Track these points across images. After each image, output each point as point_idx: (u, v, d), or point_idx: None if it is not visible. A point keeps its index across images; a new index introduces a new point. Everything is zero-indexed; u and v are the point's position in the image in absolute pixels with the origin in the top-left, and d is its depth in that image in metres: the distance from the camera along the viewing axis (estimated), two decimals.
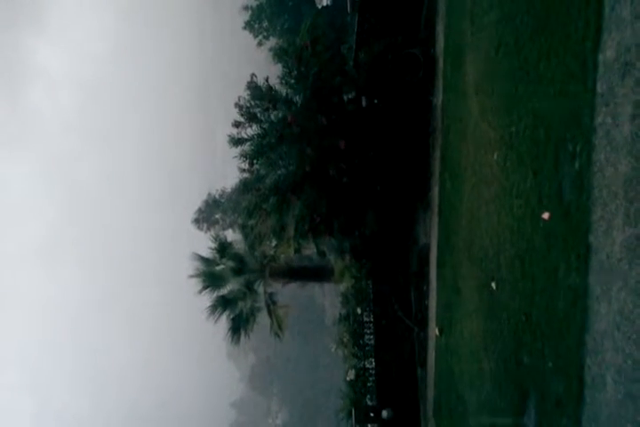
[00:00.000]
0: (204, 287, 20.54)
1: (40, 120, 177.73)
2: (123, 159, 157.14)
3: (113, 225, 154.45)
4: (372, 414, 19.06)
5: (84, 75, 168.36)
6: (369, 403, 19.36)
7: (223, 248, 21.37)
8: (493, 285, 10.87)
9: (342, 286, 21.13)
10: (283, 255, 21.24)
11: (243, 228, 19.98)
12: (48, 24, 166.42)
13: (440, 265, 15.77)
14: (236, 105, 16.45)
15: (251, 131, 16.58)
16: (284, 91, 16.71)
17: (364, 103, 17.32)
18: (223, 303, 20.31)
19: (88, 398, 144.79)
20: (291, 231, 17.36)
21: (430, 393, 17.06)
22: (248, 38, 47.91)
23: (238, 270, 21.06)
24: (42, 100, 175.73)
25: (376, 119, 16.72)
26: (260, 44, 46.24)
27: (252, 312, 20.33)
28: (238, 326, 20.15)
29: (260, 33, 44.87)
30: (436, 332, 15.68)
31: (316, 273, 24.03)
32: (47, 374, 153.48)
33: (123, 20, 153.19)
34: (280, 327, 20.82)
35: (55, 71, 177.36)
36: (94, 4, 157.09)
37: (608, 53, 7.01)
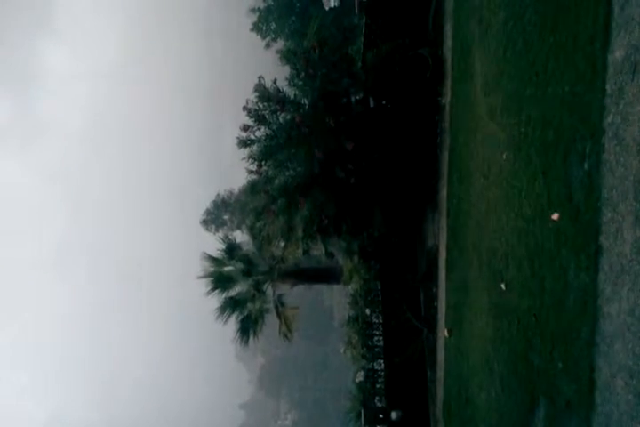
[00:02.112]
0: (213, 289, 20.57)
1: (50, 124, 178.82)
2: (132, 161, 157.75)
3: (123, 227, 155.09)
4: (381, 416, 19.05)
5: (91, 74, 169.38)
6: (378, 404, 19.34)
7: (232, 249, 21.40)
8: (503, 285, 10.85)
9: (351, 288, 21.12)
10: (291, 257, 21.24)
11: (251, 229, 19.99)
12: (59, 28, 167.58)
13: (449, 266, 15.73)
14: (245, 108, 16.48)
15: (259, 133, 16.61)
16: (291, 92, 16.73)
17: (371, 104, 17.32)
18: (232, 305, 20.33)
19: (99, 401, 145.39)
20: (299, 232, 17.36)
21: (439, 394, 17.01)
22: (256, 40, 48.07)
23: (247, 272, 21.09)
24: (53, 104, 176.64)
25: (384, 120, 16.71)
26: (267, 45, 46.37)
27: (261, 314, 20.34)
28: (247, 328, 20.17)
29: (268, 35, 45.01)
30: (446, 333, 15.65)
31: (324, 274, 24.03)
32: (60, 376, 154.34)
33: (131, 23, 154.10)
34: (289, 329, 20.83)
35: (65, 74, 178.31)
36: (104, 9, 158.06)
37: (617, 53, 6.98)
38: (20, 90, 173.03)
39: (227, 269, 21.28)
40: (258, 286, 20.89)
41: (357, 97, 17.31)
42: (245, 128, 16.47)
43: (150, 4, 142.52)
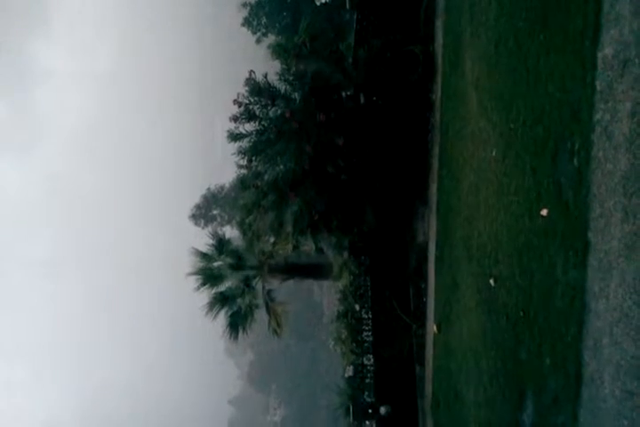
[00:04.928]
0: (203, 284, 20.50)
1: (42, 120, 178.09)
2: (122, 156, 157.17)
3: (113, 222, 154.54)
4: (369, 411, 19.07)
5: (86, 73, 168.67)
6: (367, 399, 19.37)
7: (221, 245, 21.33)
8: (491, 281, 10.89)
9: (340, 283, 21.13)
10: (281, 252, 21.21)
11: (241, 224, 19.92)
12: (53, 27, 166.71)
13: (438, 262, 15.78)
14: (235, 102, 16.42)
15: (249, 126, 16.57)
16: (282, 87, 16.68)
17: (362, 100, 17.30)
18: (221, 300, 20.27)
19: (88, 396, 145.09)
20: (289, 228, 17.34)
21: (428, 389, 17.09)
22: (247, 35, 47.86)
23: (236, 267, 21.02)
24: (47, 101, 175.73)
25: (374, 116, 16.70)
26: (258, 40, 46.14)
27: (251, 309, 20.30)
28: (236, 323, 20.13)
29: (259, 30, 44.78)
30: (435, 328, 15.70)
31: (314, 270, 24.02)
32: (52, 374, 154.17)
33: (123, 18, 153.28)
34: (278, 324, 20.80)
35: (59, 70, 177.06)
36: (96, 6, 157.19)
37: (607, 50, 7.01)
38: (15, 91, 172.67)
39: (216, 264, 21.21)
40: (247, 282, 20.84)
41: (348, 93, 17.28)
42: (235, 118, 16.41)
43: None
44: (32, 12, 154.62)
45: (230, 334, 20.24)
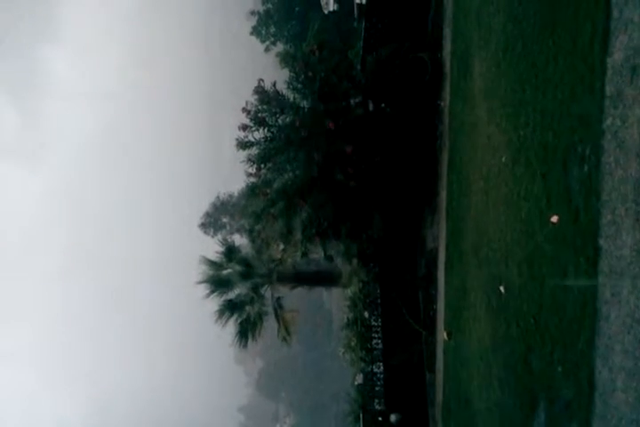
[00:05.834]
0: (212, 292, 20.54)
1: (53, 128, 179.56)
2: (132, 163, 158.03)
3: (123, 231, 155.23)
4: (380, 419, 19.00)
5: (95, 82, 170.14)
6: (377, 407, 19.30)
7: (230, 252, 21.37)
8: (502, 288, 10.84)
9: (350, 291, 21.09)
10: (290, 260, 21.21)
11: (250, 232, 19.97)
12: (63, 36, 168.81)
13: (448, 269, 15.73)
14: (244, 110, 16.49)
15: (258, 135, 16.63)
16: (291, 95, 16.74)
17: (371, 108, 17.33)
18: (230, 308, 20.30)
19: (98, 402, 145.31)
20: (298, 235, 17.35)
21: (439, 397, 16.99)
22: (255, 44, 48.15)
23: (245, 275, 21.05)
24: (57, 110, 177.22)
25: (383, 123, 16.72)
26: (267, 49, 46.43)
27: (260, 317, 20.31)
28: (246, 331, 20.14)
29: (268, 38, 45.04)
30: (445, 336, 15.63)
31: (323, 277, 24.00)
32: (62, 382, 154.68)
33: (132, 28, 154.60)
34: (288, 332, 20.80)
35: (69, 79, 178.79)
36: (104, 14, 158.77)
37: (616, 56, 7.00)
38: (25, 100, 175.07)
39: (225, 272, 21.25)
40: (256, 289, 20.85)
41: (356, 100, 17.32)
42: (244, 127, 16.48)
43: (150, 7, 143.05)
44: (43, 20, 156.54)
45: (240, 342, 20.26)
